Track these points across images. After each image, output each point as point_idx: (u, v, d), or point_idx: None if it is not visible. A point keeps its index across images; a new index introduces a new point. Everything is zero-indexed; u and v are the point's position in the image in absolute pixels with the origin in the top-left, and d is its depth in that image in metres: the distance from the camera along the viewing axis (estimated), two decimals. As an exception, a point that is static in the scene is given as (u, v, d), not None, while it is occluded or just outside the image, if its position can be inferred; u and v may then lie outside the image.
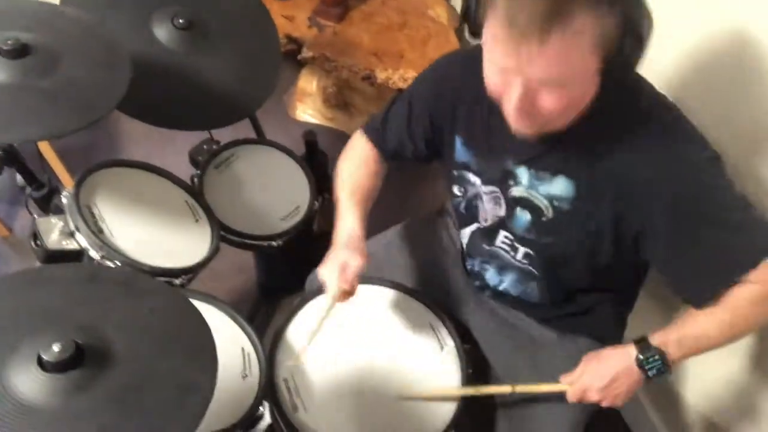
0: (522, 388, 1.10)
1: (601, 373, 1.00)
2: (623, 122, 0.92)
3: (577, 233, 1.01)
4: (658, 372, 0.96)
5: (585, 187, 0.97)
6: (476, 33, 0.86)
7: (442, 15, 2.29)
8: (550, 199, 1.01)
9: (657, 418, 1.62)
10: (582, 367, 1.04)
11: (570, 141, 0.94)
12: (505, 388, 1.10)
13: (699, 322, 0.97)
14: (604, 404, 1.02)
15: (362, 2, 2.26)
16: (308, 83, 2.39)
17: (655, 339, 0.97)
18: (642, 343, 0.98)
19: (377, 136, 1.23)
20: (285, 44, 2.13)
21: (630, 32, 0.77)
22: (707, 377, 1.42)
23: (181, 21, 1.37)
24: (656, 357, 0.96)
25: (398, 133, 1.19)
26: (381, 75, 2.03)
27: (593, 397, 1.01)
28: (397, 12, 2.24)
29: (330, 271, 1.06)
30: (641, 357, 0.97)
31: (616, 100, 0.90)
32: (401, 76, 2.04)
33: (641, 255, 1.00)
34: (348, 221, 1.13)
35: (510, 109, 0.86)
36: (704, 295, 0.95)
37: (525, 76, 0.80)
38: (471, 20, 0.86)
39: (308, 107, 2.39)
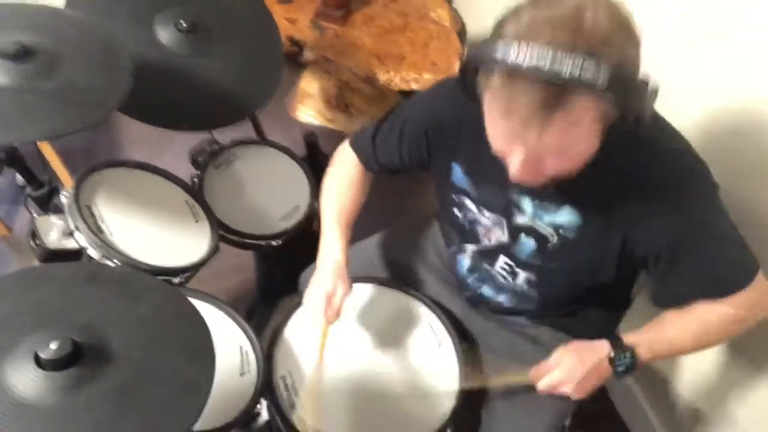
0: (495, 381, 1.10)
1: (577, 369, 1.01)
2: (631, 153, 0.92)
3: (583, 259, 1.03)
4: (626, 370, 1.00)
5: (591, 217, 0.98)
6: (474, 98, 0.85)
7: (444, 17, 2.30)
8: (556, 228, 1.01)
9: (654, 415, 1.62)
10: (555, 360, 1.04)
11: (577, 173, 0.93)
12: (475, 382, 1.10)
13: (672, 331, 1.01)
14: (574, 397, 1.04)
15: (364, 5, 2.27)
16: (309, 85, 2.40)
17: (628, 338, 1.01)
18: (616, 341, 1.01)
19: (366, 153, 1.21)
20: (287, 46, 2.14)
21: (631, 103, 0.76)
22: (704, 375, 1.43)
23: (183, 24, 1.37)
24: (627, 356, 0.99)
25: (389, 153, 1.18)
26: (382, 77, 2.04)
27: (565, 390, 1.03)
28: (399, 14, 2.25)
29: (317, 302, 1.08)
30: (613, 355, 1.00)
31: (623, 134, 0.90)
32: (402, 78, 2.05)
33: (638, 268, 1.04)
34: (333, 246, 1.13)
35: (511, 171, 0.85)
36: (680, 303, 1.00)
37: (528, 149, 0.80)
38: (468, 90, 0.84)
39: (309, 108, 2.39)
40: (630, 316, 1.25)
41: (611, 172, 0.92)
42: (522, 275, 1.12)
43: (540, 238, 1.04)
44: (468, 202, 1.12)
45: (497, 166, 1.02)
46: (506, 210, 1.06)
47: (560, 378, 1.02)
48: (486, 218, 1.10)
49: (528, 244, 1.06)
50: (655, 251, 0.96)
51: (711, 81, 1.21)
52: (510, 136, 0.79)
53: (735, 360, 1.32)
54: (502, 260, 1.13)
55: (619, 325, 1.26)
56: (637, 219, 0.94)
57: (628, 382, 1.68)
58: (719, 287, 0.96)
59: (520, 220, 1.05)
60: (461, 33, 2.33)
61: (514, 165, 0.83)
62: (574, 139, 0.79)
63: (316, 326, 1.11)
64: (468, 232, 1.16)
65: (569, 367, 1.02)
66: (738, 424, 1.36)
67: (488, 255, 1.15)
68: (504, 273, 1.15)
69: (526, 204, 1.02)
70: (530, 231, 1.05)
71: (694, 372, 1.45)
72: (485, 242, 1.14)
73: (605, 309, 1.21)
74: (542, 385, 1.04)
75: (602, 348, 1.01)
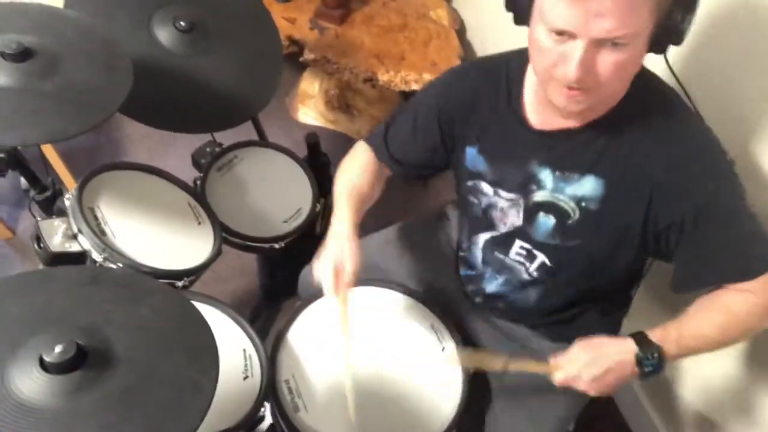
0: (514, 366, 1.05)
1: (596, 364, 0.96)
2: (655, 122, 0.92)
3: (606, 232, 1.01)
4: (654, 370, 0.95)
5: (616, 186, 0.97)
6: (523, 18, 0.88)
7: (443, 16, 2.30)
8: (578, 200, 1.00)
9: (656, 416, 1.62)
10: (575, 353, 0.99)
11: (600, 138, 0.94)
12: (498, 362, 1.07)
13: (697, 324, 0.97)
14: (592, 393, 0.99)
15: (363, 4, 2.26)
16: (310, 85, 2.40)
17: (655, 335, 0.96)
18: (641, 339, 0.96)
19: (380, 147, 1.21)
20: (287, 46, 2.13)
21: (681, 3, 0.81)
22: (706, 376, 1.42)
23: (182, 23, 1.38)
24: (655, 354, 0.94)
25: (403, 147, 1.19)
26: (383, 77, 2.04)
27: (581, 386, 0.98)
28: (398, 14, 2.25)
29: (326, 275, 1.05)
30: (641, 354, 0.94)
31: (648, 99, 0.91)
32: (403, 78, 2.04)
33: (659, 248, 1.00)
34: (342, 219, 1.12)
35: (567, 74, 0.84)
36: (703, 284, 0.97)
37: (589, 33, 0.80)
38: (517, 4, 0.88)
39: (310, 109, 2.39)
40: (632, 320, 1.25)
41: (635, 136, 0.93)
42: (539, 258, 1.10)
43: (560, 214, 1.02)
44: (484, 186, 1.11)
45: (515, 138, 1.02)
46: (524, 187, 1.05)
47: (575, 373, 0.97)
48: (502, 200, 1.09)
49: (546, 222, 1.05)
50: (678, 219, 0.94)
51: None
52: (577, 7, 0.79)
53: (738, 361, 1.31)
54: (518, 245, 1.11)
55: (618, 332, 1.24)
56: (660, 185, 0.93)
57: (630, 383, 1.67)
58: (744, 266, 0.93)
59: (539, 196, 1.03)
60: (460, 32, 2.32)
61: (571, 65, 0.83)
62: (635, 23, 0.80)
63: (331, 298, 1.06)
64: (482, 220, 1.15)
65: (585, 363, 0.96)
66: (740, 425, 1.35)
67: (502, 242, 1.14)
68: (521, 258, 1.12)
69: (546, 177, 1.01)
70: (550, 207, 1.03)
71: (697, 373, 1.45)
72: (500, 227, 1.13)
73: (604, 313, 1.20)
74: (558, 378, 1.00)
75: (628, 345, 0.95)
